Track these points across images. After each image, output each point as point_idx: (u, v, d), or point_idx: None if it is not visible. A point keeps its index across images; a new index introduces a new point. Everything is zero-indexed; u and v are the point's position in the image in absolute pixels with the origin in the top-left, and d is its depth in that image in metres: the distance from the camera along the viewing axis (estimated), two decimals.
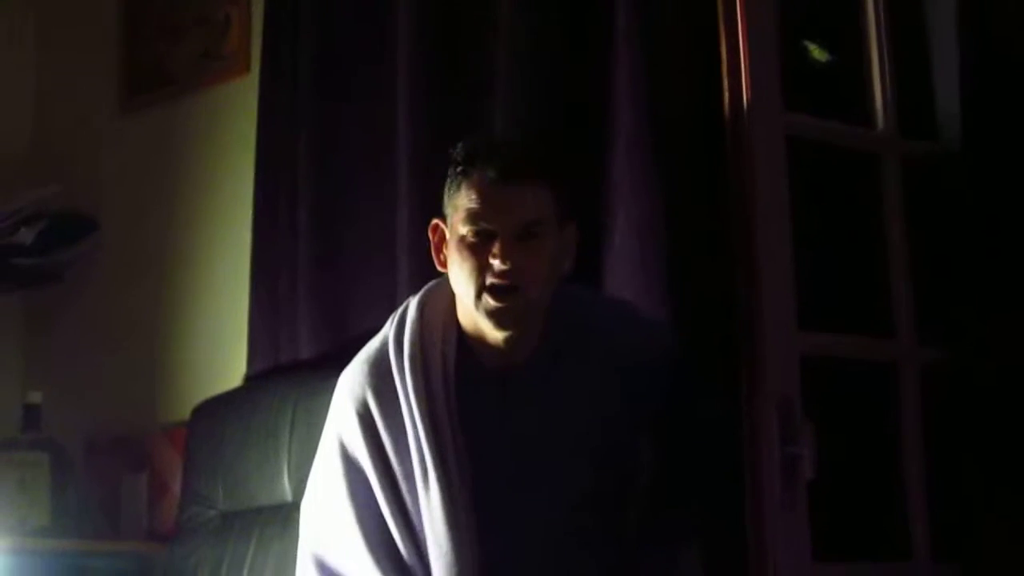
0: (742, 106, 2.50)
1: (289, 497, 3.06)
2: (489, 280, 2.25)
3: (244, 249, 3.43)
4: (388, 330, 2.41)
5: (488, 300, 2.26)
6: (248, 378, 3.37)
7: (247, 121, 3.49)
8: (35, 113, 4.18)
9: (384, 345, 2.39)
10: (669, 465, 2.39)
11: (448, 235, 2.33)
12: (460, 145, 2.33)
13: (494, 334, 2.31)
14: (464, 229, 2.27)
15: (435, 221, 2.36)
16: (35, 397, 3.67)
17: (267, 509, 3.09)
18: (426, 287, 2.44)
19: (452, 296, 2.37)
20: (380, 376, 2.37)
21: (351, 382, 2.41)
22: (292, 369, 3.25)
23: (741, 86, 2.50)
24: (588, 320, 2.40)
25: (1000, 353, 2.64)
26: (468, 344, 2.36)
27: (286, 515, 3.02)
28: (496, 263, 2.23)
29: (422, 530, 2.30)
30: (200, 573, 3.13)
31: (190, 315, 3.75)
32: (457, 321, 2.37)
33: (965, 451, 2.66)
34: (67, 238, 3.88)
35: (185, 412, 3.41)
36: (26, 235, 3.78)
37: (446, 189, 2.33)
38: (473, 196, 2.26)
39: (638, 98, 2.70)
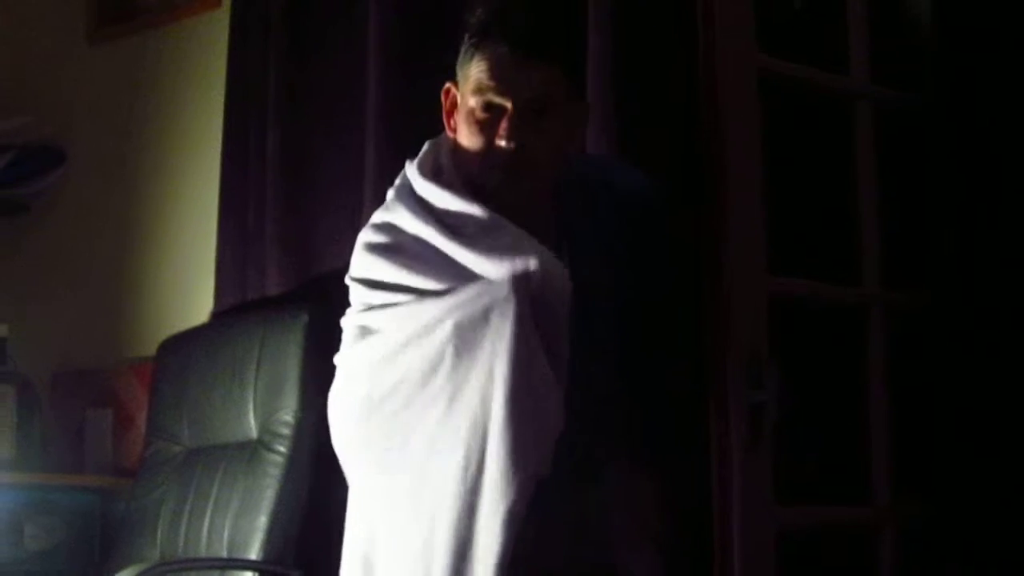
0: (715, 47, 2.48)
1: (254, 434, 3.05)
2: (495, 160, 2.24)
3: (213, 184, 3.41)
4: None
5: (493, 175, 2.25)
6: (215, 314, 3.36)
7: (218, 55, 3.47)
8: (3, 45, 4.14)
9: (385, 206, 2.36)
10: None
11: (459, 102, 2.31)
12: (477, 12, 2.30)
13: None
14: (473, 101, 2.26)
15: (448, 85, 2.34)
16: (1, 330, 3.65)
17: (232, 446, 3.08)
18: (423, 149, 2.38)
19: (452, 148, 2.33)
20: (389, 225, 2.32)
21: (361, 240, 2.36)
22: (259, 305, 3.24)
23: (714, 26, 2.49)
24: (592, 174, 2.41)
25: (979, 296, 2.65)
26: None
27: (251, 452, 3.02)
28: (503, 143, 2.23)
29: None
30: (164, 508, 3.13)
31: (157, 249, 3.73)
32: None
33: (933, 395, 2.68)
34: (34, 169, 3.86)
35: (151, 347, 3.40)
36: None
37: (460, 56, 2.30)
38: (483, 68, 2.24)
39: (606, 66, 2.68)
